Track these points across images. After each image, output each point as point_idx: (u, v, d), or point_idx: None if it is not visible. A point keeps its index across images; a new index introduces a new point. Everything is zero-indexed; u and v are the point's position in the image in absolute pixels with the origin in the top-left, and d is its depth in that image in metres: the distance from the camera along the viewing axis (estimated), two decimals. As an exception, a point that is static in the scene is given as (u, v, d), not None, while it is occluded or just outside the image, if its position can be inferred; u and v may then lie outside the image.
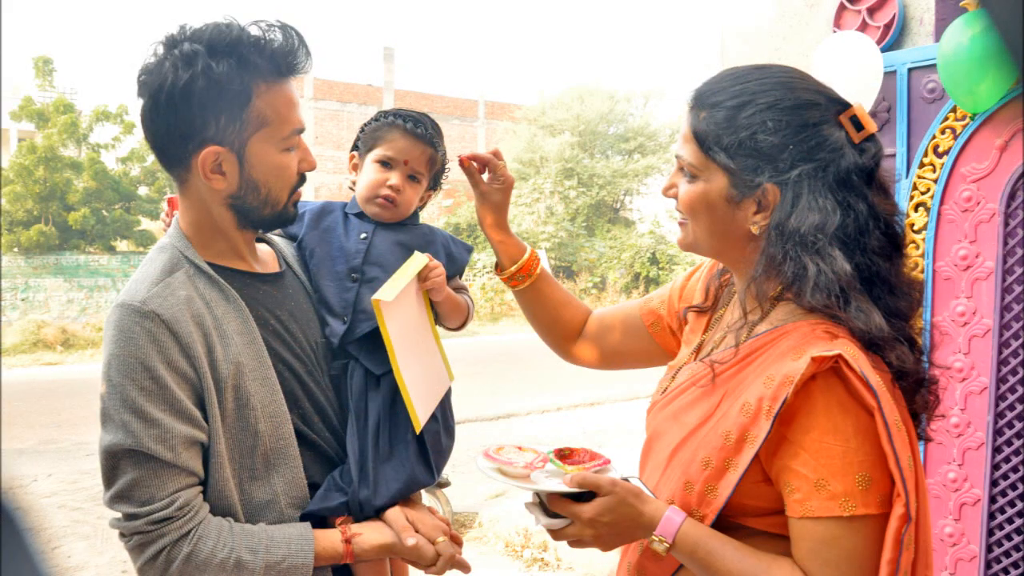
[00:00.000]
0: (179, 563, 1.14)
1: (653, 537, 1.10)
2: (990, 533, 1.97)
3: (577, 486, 1.13)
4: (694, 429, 1.15)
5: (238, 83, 1.19)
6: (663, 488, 1.18)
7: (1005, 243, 1.89)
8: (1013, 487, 1.92)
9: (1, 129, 19.96)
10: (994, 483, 1.95)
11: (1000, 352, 1.91)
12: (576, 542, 1.17)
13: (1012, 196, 1.88)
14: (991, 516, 1.95)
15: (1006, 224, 1.89)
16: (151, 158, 16.30)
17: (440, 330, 1.59)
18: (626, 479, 1.16)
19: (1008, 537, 1.95)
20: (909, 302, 1.12)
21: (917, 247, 2.04)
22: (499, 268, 1.57)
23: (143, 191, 17.16)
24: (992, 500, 1.95)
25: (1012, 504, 1.93)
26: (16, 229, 15.35)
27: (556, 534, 1.17)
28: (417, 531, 1.33)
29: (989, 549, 1.98)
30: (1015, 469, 1.91)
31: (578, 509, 1.13)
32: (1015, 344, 1.89)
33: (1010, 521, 1.93)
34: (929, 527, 1.08)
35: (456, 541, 1.39)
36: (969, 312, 1.95)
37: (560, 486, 1.14)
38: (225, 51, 1.18)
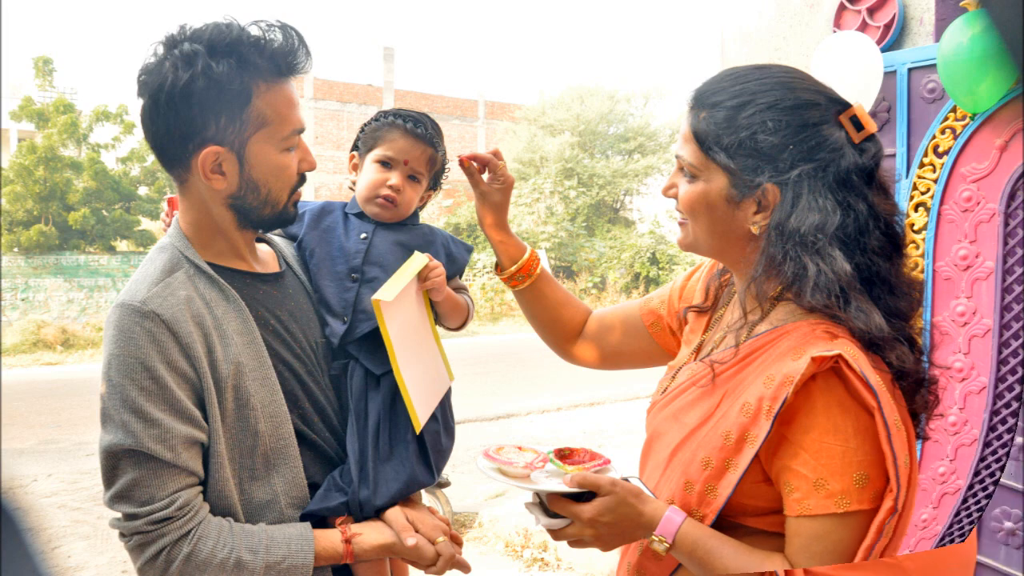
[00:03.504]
0: (179, 563, 1.14)
1: (653, 537, 1.11)
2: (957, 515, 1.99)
3: (577, 486, 1.14)
4: (694, 429, 1.15)
5: (238, 83, 1.19)
6: (663, 488, 1.18)
7: (1005, 243, 1.89)
8: (992, 475, 1.94)
9: (1, 129, 19.95)
10: (976, 473, 1.96)
11: (1000, 352, 1.91)
12: (576, 542, 1.17)
13: (1012, 196, 1.88)
14: (963, 500, 1.98)
15: (1006, 224, 1.89)
16: (151, 158, 16.30)
17: (440, 330, 1.59)
18: (626, 479, 1.16)
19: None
20: (909, 302, 1.13)
21: (917, 247, 2.04)
22: (499, 268, 1.57)
23: (143, 191, 17.16)
24: (970, 487, 1.96)
25: (984, 488, 1.94)
26: (16, 229, 15.34)
27: (556, 534, 1.17)
28: (417, 531, 1.33)
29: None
30: (998, 460, 1.92)
31: (578, 509, 1.14)
32: (1015, 344, 1.90)
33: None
34: (910, 516, 1.10)
35: (456, 541, 1.39)
36: (969, 312, 1.95)
37: (560, 486, 1.15)
38: (225, 51, 1.18)
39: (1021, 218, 1.87)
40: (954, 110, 1.97)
